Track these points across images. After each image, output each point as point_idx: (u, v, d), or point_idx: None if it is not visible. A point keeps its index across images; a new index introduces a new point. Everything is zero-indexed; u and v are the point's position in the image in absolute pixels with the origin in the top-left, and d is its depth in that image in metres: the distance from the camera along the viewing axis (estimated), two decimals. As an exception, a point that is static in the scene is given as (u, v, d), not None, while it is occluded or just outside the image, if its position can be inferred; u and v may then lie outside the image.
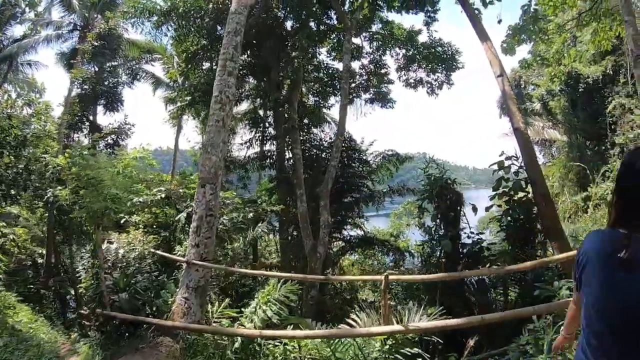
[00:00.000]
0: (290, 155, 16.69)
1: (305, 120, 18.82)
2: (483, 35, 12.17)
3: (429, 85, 18.97)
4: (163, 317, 8.07)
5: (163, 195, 10.96)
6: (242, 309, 7.88)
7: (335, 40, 18.77)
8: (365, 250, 19.22)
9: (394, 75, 19.58)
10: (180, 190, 11.13)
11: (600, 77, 22.13)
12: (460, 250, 11.24)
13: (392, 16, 18.97)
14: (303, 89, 19.16)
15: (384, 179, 18.99)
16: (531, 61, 16.53)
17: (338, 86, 18.17)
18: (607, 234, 2.04)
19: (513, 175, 10.68)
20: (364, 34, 18.86)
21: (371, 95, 19.70)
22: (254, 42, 16.61)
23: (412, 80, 19.19)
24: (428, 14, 17.37)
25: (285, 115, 15.53)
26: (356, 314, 7.50)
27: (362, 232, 18.94)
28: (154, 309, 8.76)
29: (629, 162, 2.03)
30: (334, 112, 20.23)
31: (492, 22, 15.67)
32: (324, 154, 18.00)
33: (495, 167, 10.74)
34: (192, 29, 16.68)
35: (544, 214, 9.94)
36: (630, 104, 21.59)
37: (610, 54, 22.63)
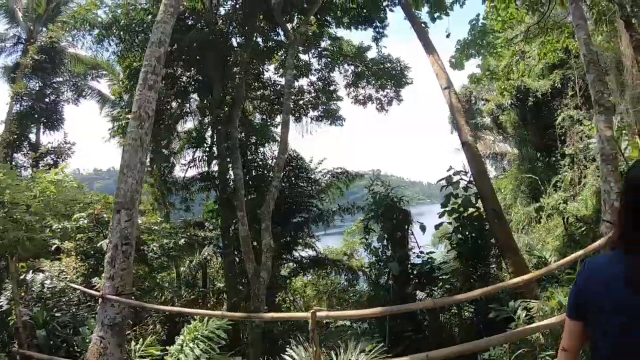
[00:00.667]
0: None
1: (253, 139, 17.98)
2: (429, 48, 11.75)
3: (378, 101, 18.54)
4: (80, 358, 7.14)
5: (86, 221, 9.95)
6: (167, 347, 7.01)
7: (283, 57, 18.08)
8: (318, 271, 18.40)
9: (343, 92, 19.11)
10: (105, 215, 10.12)
11: (549, 90, 22.14)
12: (410, 271, 10.62)
13: (341, 32, 18.51)
14: (250, 107, 18.36)
15: (334, 197, 18.19)
16: (481, 76, 16.19)
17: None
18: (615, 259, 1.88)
19: (462, 191, 10.15)
20: (312, 50, 18.24)
21: (319, 112, 19.02)
22: (198, 57, 15.79)
23: (361, 97, 18.74)
24: (377, 30, 17.00)
25: (227, 133, 14.60)
26: (292, 349, 6.72)
27: (314, 253, 18.13)
28: (75, 347, 7.82)
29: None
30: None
31: (440, 37, 15.36)
32: (271, 173, 17.21)
33: (444, 182, 10.18)
34: (135, 44, 15.71)
35: (496, 229, 9.41)
36: (579, 116, 21.65)
37: (558, 67, 22.72)
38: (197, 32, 14.35)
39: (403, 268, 10.29)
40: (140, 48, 15.69)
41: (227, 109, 15.49)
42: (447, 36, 14.60)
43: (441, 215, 10.39)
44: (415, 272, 10.50)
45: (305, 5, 14.99)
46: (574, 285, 1.97)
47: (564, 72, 22.43)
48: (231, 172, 14.69)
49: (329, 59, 18.25)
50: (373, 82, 18.07)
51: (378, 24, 16.82)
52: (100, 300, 6.83)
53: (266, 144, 18.40)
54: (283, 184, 16.78)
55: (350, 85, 18.57)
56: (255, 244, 13.39)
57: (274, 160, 17.52)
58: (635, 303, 1.72)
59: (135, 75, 16.34)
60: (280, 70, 18.41)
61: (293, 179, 16.94)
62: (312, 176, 17.56)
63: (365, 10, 16.42)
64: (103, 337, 6.59)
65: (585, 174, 20.46)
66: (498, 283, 9.10)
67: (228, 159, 14.56)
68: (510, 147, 23.78)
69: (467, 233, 9.87)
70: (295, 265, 17.71)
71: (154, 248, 10.32)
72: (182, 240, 11.52)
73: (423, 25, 14.18)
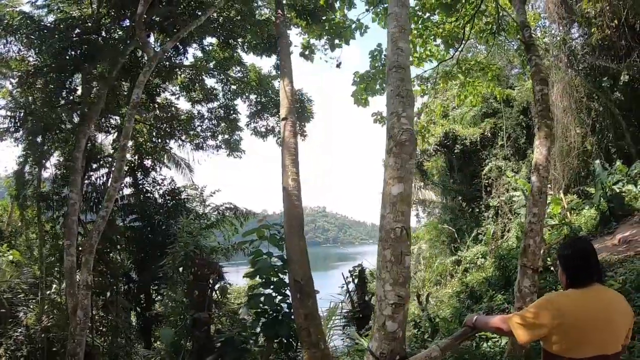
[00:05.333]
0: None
1: (148, 162, 15.64)
2: (284, 72, 9.43)
3: (279, 135, 15.96)
4: None
5: None
6: None
7: (188, 79, 15.73)
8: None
9: (242, 122, 16.79)
10: None
11: (479, 139, 19.91)
12: (215, 338, 7.93)
13: (251, 58, 16.25)
14: (144, 129, 15.83)
15: (231, 234, 15.40)
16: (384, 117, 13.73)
17: (179, 128, 15.37)
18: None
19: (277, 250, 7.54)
20: (220, 75, 15.88)
21: (218, 142, 16.60)
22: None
23: (262, 129, 16.18)
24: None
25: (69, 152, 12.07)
26: None
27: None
28: None
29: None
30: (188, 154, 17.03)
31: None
32: (161, 200, 14.84)
33: (253, 236, 7.57)
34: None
35: (298, 309, 6.75)
36: (507, 167, 19.41)
37: (490, 116, 20.64)
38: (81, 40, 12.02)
39: (205, 334, 7.64)
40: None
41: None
42: (338, 66, 12.30)
43: (249, 276, 7.67)
44: (218, 343, 7.79)
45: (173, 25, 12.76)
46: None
47: (495, 121, 20.32)
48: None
49: (234, 86, 15.84)
50: (275, 113, 15.53)
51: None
52: None
53: (161, 168, 16.06)
54: (162, 216, 14.40)
55: (253, 115, 16.04)
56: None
57: (165, 187, 15.33)
58: None
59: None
60: (184, 92, 16.04)
61: (172, 210, 14.41)
62: (200, 210, 14.99)
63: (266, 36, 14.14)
64: None
65: (509, 228, 18.17)
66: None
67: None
68: (434, 195, 21.29)
69: (268, 304, 7.17)
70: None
71: None
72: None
73: (310, 50, 12.00)
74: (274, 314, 7.05)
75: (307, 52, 11.90)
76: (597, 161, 16.12)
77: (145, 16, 11.53)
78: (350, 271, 12.09)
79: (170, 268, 8.35)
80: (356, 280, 11.98)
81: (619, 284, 7.49)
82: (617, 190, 14.41)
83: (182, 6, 13.31)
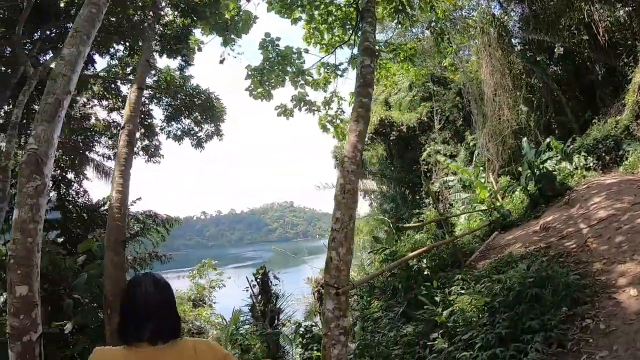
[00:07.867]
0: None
1: (71, 175, 15.36)
2: (136, 79, 8.89)
3: (195, 137, 15.51)
4: None
5: None
6: None
7: (102, 88, 15.25)
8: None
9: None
10: None
11: (416, 124, 19.32)
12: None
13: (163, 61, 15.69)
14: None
15: (157, 242, 15.02)
16: (292, 107, 13.00)
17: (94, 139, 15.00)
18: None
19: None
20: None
21: (136, 148, 16.01)
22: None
23: (178, 132, 15.69)
24: (184, 57, 14.04)
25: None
26: None
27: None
28: None
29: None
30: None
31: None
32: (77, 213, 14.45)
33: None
34: None
35: (106, 325, 6.34)
36: (446, 150, 18.83)
37: (427, 100, 20.04)
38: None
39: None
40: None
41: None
42: (221, 62, 11.68)
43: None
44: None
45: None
46: None
47: (431, 105, 19.68)
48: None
49: (151, 91, 15.31)
50: (187, 115, 14.99)
51: (186, 51, 13.93)
52: None
53: (82, 180, 15.65)
54: (81, 230, 14.08)
55: (168, 118, 15.46)
56: None
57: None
58: None
59: None
60: (95, 101, 15.56)
61: (90, 223, 14.03)
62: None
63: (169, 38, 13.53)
64: None
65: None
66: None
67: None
68: (375, 185, 20.67)
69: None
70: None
71: None
72: None
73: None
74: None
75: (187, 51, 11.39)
76: (525, 139, 15.28)
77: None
78: (254, 274, 11.64)
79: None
80: (261, 284, 11.60)
81: (489, 298, 5.75)
82: (550, 169, 13.40)
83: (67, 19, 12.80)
